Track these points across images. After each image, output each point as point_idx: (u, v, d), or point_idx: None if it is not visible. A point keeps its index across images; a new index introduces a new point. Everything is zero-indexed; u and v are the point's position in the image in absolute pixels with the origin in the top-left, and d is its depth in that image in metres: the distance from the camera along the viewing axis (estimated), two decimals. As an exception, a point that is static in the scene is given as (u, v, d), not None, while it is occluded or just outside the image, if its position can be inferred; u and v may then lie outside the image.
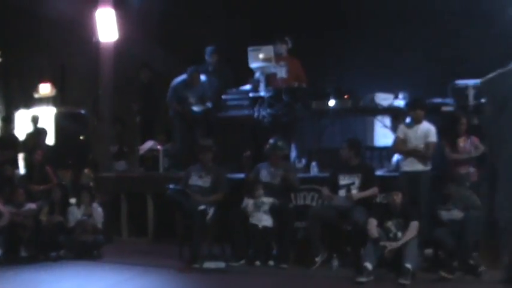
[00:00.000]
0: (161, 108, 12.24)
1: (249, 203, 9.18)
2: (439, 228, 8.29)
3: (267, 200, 9.14)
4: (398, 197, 8.43)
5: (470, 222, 8.18)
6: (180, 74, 11.59)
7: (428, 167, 8.99)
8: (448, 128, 9.41)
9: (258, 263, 9.05)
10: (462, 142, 9.22)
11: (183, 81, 11.46)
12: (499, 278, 7.68)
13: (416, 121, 9.18)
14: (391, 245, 8.11)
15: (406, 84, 10.72)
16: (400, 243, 8.10)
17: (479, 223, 8.11)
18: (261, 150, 9.94)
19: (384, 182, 9.13)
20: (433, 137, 9.08)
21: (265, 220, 9.09)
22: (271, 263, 9.01)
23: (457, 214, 8.37)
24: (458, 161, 9.20)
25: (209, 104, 11.31)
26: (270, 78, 10.95)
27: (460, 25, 11.43)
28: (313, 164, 10.30)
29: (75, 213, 10.05)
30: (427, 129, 9.11)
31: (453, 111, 9.88)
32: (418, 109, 9.19)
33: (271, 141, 9.58)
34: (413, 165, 9.02)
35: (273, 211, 9.11)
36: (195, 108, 11.29)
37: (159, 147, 11.73)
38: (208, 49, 11.85)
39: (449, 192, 8.48)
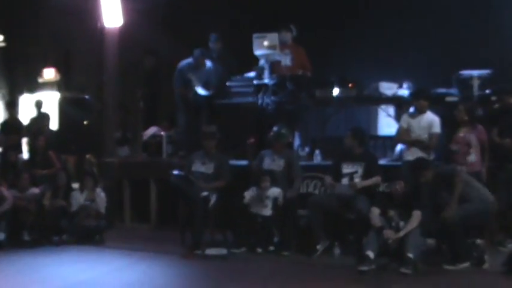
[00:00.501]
0: (165, 94, 12.23)
1: (251, 193, 9.18)
2: (437, 226, 8.26)
3: (272, 193, 9.14)
4: (400, 186, 8.41)
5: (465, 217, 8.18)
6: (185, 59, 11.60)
7: (431, 157, 8.97)
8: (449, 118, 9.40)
9: (259, 250, 9.07)
10: (463, 132, 9.11)
11: (189, 64, 11.49)
12: (501, 269, 7.72)
13: (420, 111, 9.16)
14: (394, 236, 8.10)
15: (410, 74, 10.70)
16: (402, 233, 8.09)
17: (476, 212, 8.14)
18: (264, 138, 9.95)
19: (386, 171, 9.12)
20: (437, 128, 9.06)
21: (265, 210, 9.09)
22: (271, 248, 9.03)
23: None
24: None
25: (212, 91, 11.31)
26: (274, 66, 10.91)
27: (466, 15, 11.37)
28: (317, 152, 10.30)
29: (78, 198, 10.09)
30: (431, 120, 9.09)
31: (456, 101, 9.86)
32: (422, 99, 9.17)
33: (275, 128, 9.57)
34: (416, 155, 8.99)
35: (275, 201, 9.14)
36: (200, 90, 11.29)
37: (162, 133, 11.74)
38: (213, 36, 11.84)
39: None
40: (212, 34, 11.85)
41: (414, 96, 9.46)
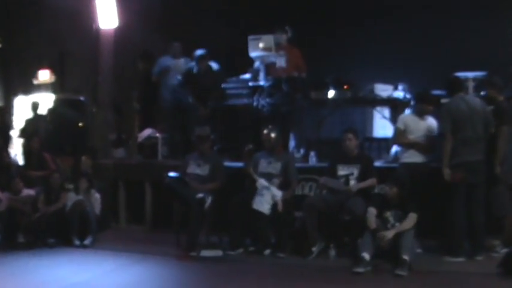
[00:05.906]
0: (160, 96, 12.23)
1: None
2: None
3: (273, 190, 9.09)
4: (393, 188, 8.40)
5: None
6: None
7: (429, 159, 8.94)
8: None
9: (252, 248, 9.06)
10: None
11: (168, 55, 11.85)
12: (496, 270, 7.71)
13: (421, 114, 9.06)
14: (385, 236, 8.08)
15: (405, 76, 10.70)
16: (393, 232, 8.07)
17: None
18: (260, 140, 9.92)
19: (382, 173, 9.10)
20: (435, 130, 9.01)
21: (264, 206, 8.99)
22: (267, 251, 9.01)
23: None
24: None
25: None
26: (269, 68, 10.92)
27: (461, 16, 11.41)
28: (312, 154, 10.27)
29: (73, 199, 10.05)
30: (429, 122, 9.03)
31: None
32: (426, 103, 9.07)
33: (265, 131, 9.47)
34: (414, 157, 8.95)
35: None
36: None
37: (157, 135, 11.72)
38: (197, 53, 11.32)
39: None
40: (197, 52, 11.30)
41: (418, 99, 9.36)
